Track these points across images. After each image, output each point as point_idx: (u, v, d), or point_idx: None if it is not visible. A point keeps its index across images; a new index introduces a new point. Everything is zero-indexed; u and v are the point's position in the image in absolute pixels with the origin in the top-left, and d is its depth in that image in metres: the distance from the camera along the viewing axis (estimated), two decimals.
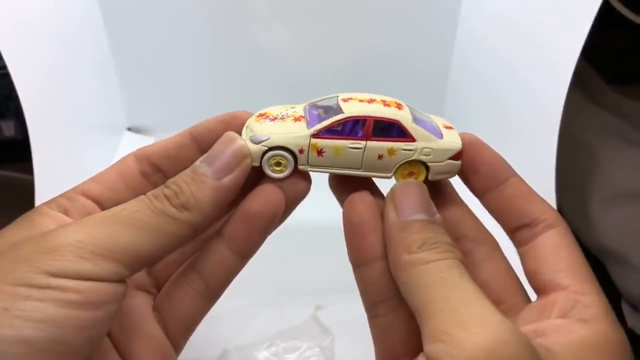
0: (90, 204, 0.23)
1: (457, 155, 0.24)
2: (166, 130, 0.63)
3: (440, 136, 0.24)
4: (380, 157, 0.23)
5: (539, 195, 0.24)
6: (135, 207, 0.21)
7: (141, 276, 0.25)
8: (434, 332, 0.18)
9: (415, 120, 0.23)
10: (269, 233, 0.24)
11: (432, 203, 0.22)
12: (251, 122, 0.24)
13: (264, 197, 0.23)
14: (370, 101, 0.23)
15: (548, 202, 0.24)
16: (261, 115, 0.24)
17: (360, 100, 0.23)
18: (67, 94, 0.47)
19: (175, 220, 0.21)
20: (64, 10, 0.47)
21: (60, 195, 0.23)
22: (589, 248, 0.50)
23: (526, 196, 0.24)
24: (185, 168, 0.24)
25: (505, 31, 0.49)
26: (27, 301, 0.18)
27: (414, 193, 0.22)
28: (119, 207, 0.21)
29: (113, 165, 0.25)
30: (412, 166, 0.23)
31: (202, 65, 0.61)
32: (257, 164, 0.23)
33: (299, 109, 0.24)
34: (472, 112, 0.58)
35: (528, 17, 0.45)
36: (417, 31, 0.59)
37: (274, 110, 0.24)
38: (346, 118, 0.23)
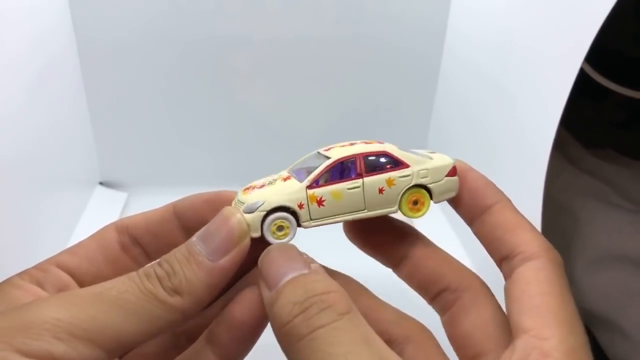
0: (65, 276, 0.22)
1: (452, 172, 0.23)
2: (140, 186, 0.62)
3: (430, 159, 0.24)
4: (380, 190, 0.23)
5: (525, 224, 0.22)
6: (125, 287, 0.19)
7: None
8: None
9: (401, 149, 0.24)
10: (257, 338, 0.22)
11: (302, 256, 0.21)
12: (239, 196, 0.23)
13: (248, 303, 0.22)
14: (352, 144, 0.24)
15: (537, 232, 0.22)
16: (247, 189, 0.23)
17: (342, 146, 0.24)
18: (38, 143, 0.46)
19: (164, 305, 0.19)
20: (40, 57, 0.46)
21: (34, 267, 0.22)
22: None
23: (508, 225, 0.22)
24: (165, 244, 0.24)
25: (487, 94, 0.50)
26: None
27: (277, 256, 0.20)
28: (109, 284, 0.20)
29: (93, 235, 0.24)
30: (414, 194, 0.23)
31: (180, 121, 0.60)
32: (257, 234, 0.22)
33: (284, 173, 0.24)
34: None
35: (510, 79, 0.46)
36: (397, 90, 0.60)
37: (258, 181, 0.24)
38: (336, 161, 0.22)
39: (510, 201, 0.23)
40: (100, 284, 0.20)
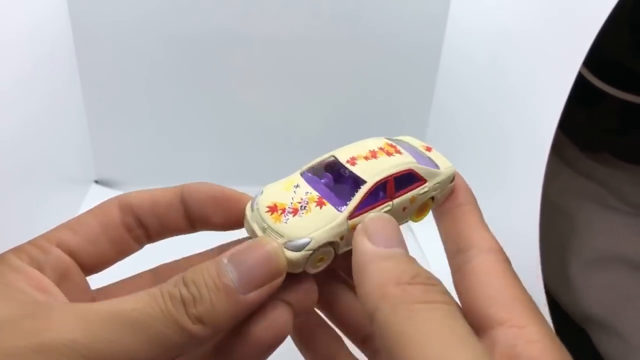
0: (66, 258, 0.22)
1: (452, 178, 0.25)
2: (136, 185, 0.61)
3: (436, 166, 0.25)
4: (404, 209, 0.23)
5: (484, 226, 0.23)
6: (148, 309, 0.18)
7: None
8: None
9: (415, 157, 0.24)
10: (269, 355, 0.22)
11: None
12: (269, 222, 0.21)
13: (273, 324, 0.21)
14: (373, 154, 0.23)
15: (496, 237, 0.22)
16: (272, 209, 0.21)
17: (365, 158, 0.23)
18: (32, 140, 0.45)
19: (185, 332, 0.18)
20: (35, 52, 0.46)
21: (31, 243, 0.21)
22: (570, 315, 0.49)
23: (470, 222, 0.23)
24: (169, 228, 0.23)
25: (487, 91, 0.50)
26: None
27: (389, 225, 0.21)
28: (130, 302, 0.19)
29: (93, 210, 0.23)
30: (423, 204, 0.24)
31: (177, 119, 0.59)
32: (300, 270, 0.21)
33: (303, 184, 0.23)
34: None
35: (510, 77, 0.46)
36: (397, 84, 0.59)
37: (279, 196, 0.22)
38: (373, 187, 0.22)
39: (478, 208, 0.24)
40: (120, 300, 0.19)
